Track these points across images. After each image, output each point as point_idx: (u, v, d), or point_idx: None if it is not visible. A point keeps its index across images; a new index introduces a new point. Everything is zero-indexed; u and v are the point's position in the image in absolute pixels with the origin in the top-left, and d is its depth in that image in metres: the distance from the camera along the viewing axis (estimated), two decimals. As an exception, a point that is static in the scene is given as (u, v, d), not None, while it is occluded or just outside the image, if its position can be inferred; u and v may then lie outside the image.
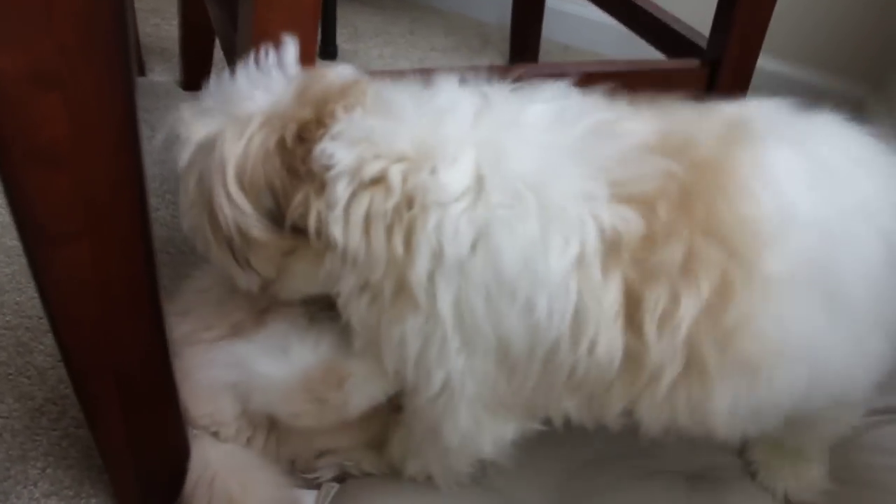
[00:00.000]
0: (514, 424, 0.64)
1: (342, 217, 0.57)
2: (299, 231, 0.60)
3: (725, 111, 0.60)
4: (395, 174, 0.56)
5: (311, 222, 0.59)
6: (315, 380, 0.68)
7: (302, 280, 0.66)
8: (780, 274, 0.53)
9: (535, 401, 0.62)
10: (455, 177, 0.55)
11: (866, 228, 0.56)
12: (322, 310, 0.70)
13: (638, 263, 0.53)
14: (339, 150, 0.57)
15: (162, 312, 0.63)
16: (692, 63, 1.03)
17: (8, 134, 0.48)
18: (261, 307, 0.73)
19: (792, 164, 0.56)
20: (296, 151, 0.59)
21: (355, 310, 0.61)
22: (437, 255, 0.55)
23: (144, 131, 1.31)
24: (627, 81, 0.98)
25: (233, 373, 0.71)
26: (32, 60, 0.46)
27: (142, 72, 1.39)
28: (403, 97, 0.60)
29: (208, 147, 0.63)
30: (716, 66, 1.02)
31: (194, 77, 1.37)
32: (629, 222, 0.53)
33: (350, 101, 0.60)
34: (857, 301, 0.55)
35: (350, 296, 0.61)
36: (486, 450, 0.65)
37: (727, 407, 0.55)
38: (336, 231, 0.57)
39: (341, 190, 0.57)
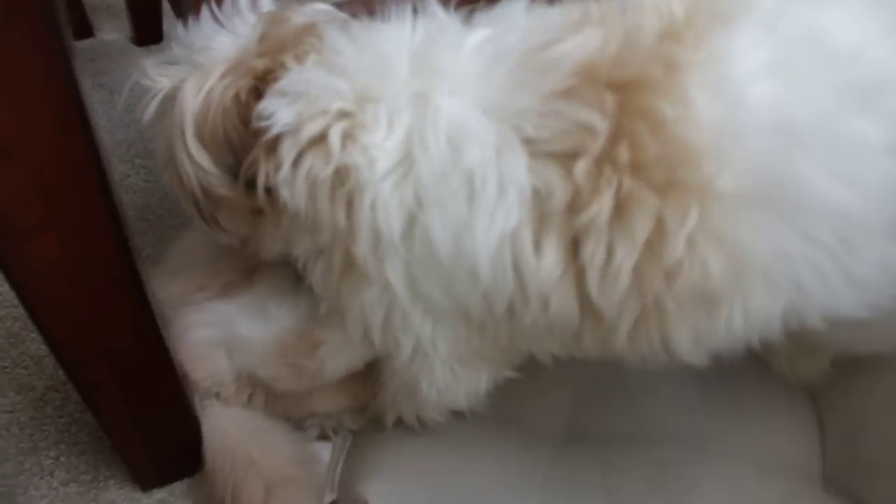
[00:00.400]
0: (488, 375, 0.63)
1: (289, 178, 0.55)
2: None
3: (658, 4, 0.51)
4: (335, 135, 0.53)
5: (260, 182, 0.57)
6: (289, 345, 0.67)
7: (270, 241, 0.64)
8: (722, 197, 0.47)
9: (515, 346, 0.60)
10: (386, 149, 0.52)
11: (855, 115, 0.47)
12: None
13: (567, 223, 0.50)
14: (280, 108, 0.54)
15: (145, 290, 0.60)
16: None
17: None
18: (250, 266, 0.72)
19: (755, 53, 0.47)
20: (250, 105, 0.56)
21: (313, 275, 0.60)
22: (376, 234, 0.53)
23: (103, 95, 1.26)
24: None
25: (219, 332, 0.70)
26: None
27: (90, 32, 1.33)
28: (346, 43, 0.56)
29: (173, 100, 0.60)
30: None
31: (146, 31, 1.31)
32: (550, 184, 0.49)
33: (303, 49, 0.56)
34: (831, 214, 0.47)
35: (307, 260, 0.59)
36: (461, 402, 0.65)
37: (690, 341, 0.53)
38: (284, 193, 0.55)
39: (286, 150, 0.54)
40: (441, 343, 0.59)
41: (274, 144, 0.55)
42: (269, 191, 0.57)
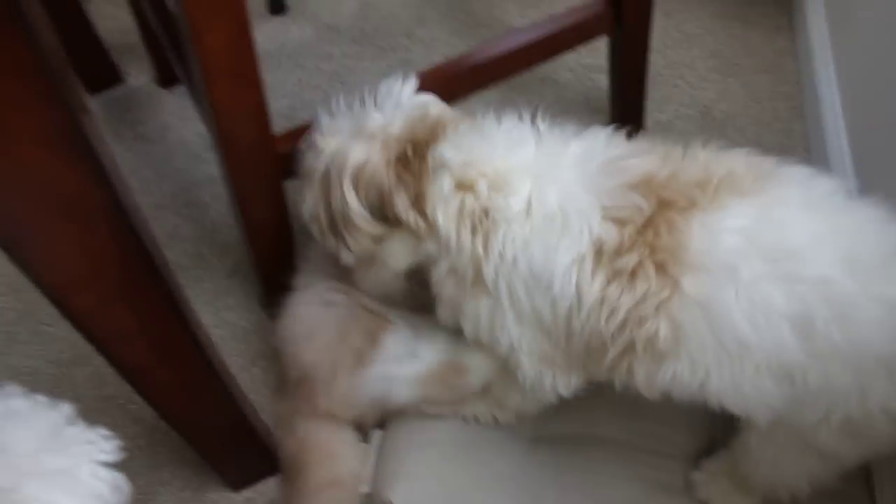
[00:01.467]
0: (566, 380, 0.87)
1: (443, 205, 0.79)
2: (393, 223, 0.84)
3: (706, 165, 0.76)
4: (483, 186, 0.78)
5: (429, 209, 0.81)
6: (444, 372, 0.95)
7: (400, 256, 0.88)
8: (682, 292, 0.71)
9: (573, 362, 0.84)
10: (516, 201, 0.77)
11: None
12: (422, 321, 0.96)
13: (609, 265, 0.74)
14: (449, 152, 0.80)
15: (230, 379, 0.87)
16: (598, 5, 1.15)
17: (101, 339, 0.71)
18: (372, 329, 0.97)
19: (738, 219, 0.71)
20: (413, 161, 0.82)
21: (445, 288, 0.85)
22: (502, 256, 0.79)
23: (143, 147, 1.46)
24: (550, 43, 1.12)
25: (379, 387, 0.97)
26: (98, 293, 0.67)
27: (119, 78, 1.50)
28: (490, 129, 0.82)
29: (336, 155, 0.86)
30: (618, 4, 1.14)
31: (169, 72, 1.47)
32: (609, 235, 0.74)
33: (453, 127, 0.83)
34: (736, 338, 0.70)
35: (442, 277, 0.85)
36: (549, 396, 0.90)
37: (644, 380, 0.76)
38: (439, 216, 0.80)
39: (446, 183, 0.79)
40: (524, 342, 0.84)
41: (437, 179, 0.80)
42: (421, 216, 0.81)
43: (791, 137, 1.37)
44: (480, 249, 0.79)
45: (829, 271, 0.69)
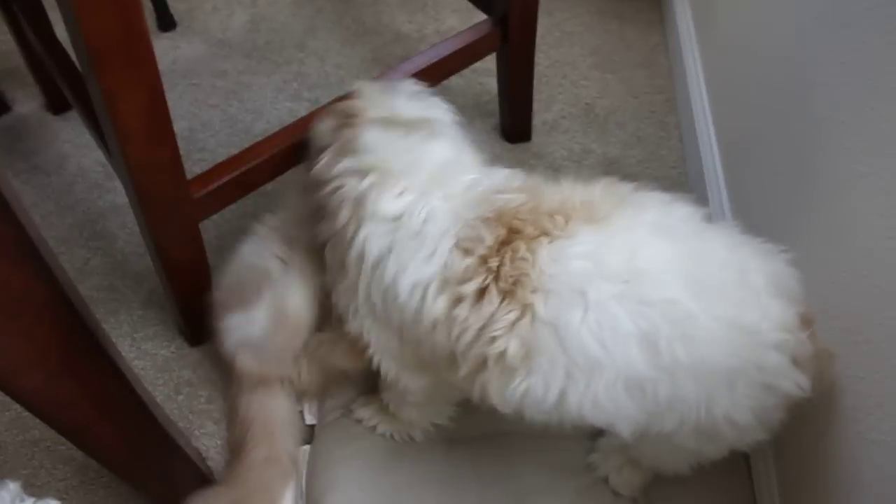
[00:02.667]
0: (415, 379, 0.94)
1: (338, 176, 0.88)
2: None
3: (565, 196, 0.81)
4: (368, 180, 0.85)
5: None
6: (277, 320, 1.02)
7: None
8: (533, 313, 0.75)
9: (423, 364, 0.90)
10: (392, 207, 0.83)
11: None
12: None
13: (452, 290, 0.79)
14: (372, 135, 0.88)
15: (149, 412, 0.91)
16: (485, 27, 1.22)
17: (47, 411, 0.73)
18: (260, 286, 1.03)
19: (584, 245, 0.76)
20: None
21: (328, 252, 0.92)
22: (361, 252, 0.85)
23: (40, 178, 1.44)
24: (445, 64, 1.18)
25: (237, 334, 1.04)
26: (44, 372, 0.70)
27: (6, 106, 1.45)
28: (400, 143, 0.88)
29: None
30: (505, 22, 1.22)
31: (58, 97, 1.44)
32: (455, 263, 0.79)
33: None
34: (586, 355, 0.74)
35: (327, 237, 0.91)
36: (410, 394, 0.97)
37: (498, 393, 0.79)
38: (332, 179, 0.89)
39: (349, 163, 0.88)
40: (373, 337, 0.91)
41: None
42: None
43: (666, 129, 1.48)
44: (350, 234, 0.85)
45: (673, 293, 0.73)
